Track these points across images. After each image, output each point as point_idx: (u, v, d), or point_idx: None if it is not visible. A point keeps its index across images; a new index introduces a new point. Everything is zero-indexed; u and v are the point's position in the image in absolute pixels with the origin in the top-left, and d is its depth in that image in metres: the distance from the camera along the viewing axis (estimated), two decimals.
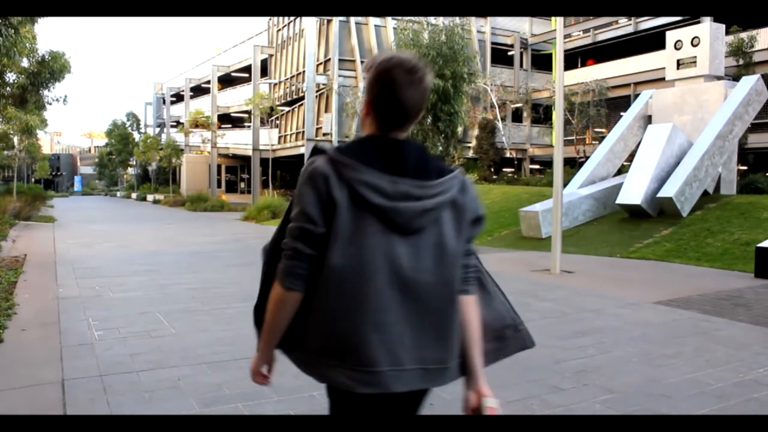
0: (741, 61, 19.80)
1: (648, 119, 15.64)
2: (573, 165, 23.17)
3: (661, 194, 12.51)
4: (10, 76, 13.09)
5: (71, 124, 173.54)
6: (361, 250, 1.49)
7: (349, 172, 1.50)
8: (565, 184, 11.96)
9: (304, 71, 28.02)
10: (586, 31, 29.98)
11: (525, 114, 31.29)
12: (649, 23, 26.82)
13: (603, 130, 24.24)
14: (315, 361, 1.60)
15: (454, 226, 1.61)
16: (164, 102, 49.78)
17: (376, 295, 1.50)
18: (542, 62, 32.60)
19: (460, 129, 14.21)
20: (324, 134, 27.34)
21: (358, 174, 1.50)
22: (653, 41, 24.62)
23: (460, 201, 1.64)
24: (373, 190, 1.50)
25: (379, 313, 1.50)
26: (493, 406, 1.68)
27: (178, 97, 47.57)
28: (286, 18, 30.37)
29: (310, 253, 1.52)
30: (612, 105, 24.84)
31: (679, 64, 15.18)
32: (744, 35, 19.95)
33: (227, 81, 39.76)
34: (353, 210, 1.50)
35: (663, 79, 16.81)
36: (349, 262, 1.49)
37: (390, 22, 27.31)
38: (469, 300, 1.67)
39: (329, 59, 27.26)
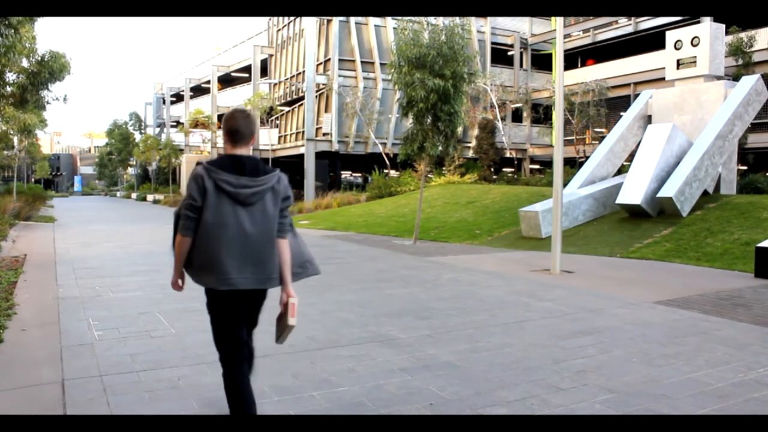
0: (740, 61, 19.81)
1: (648, 119, 15.64)
2: (573, 165, 23.17)
3: (661, 194, 12.51)
4: (10, 76, 13.08)
5: (71, 124, 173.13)
6: (221, 213, 2.79)
7: (214, 174, 2.79)
8: (565, 184, 11.96)
9: (304, 71, 28.01)
10: (586, 31, 29.98)
11: (525, 114, 31.29)
12: (649, 23, 26.82)
13: (603, 130, 24.24)
14: (198, 273, 2.87)
15: (272, 201, 2.88)
16: (164, 102, 49.76)
17: (229, 238, 2.79)
18: (542, 62, 32.60)
19: (459, 129, 14.20)
20: (324, 134, 27.34)
21: (218, 175, 2.79)
22: (653, 41, 24.62)
23: (277, 188, 2.91)
24: (226, 183, 2.79)
25: (231, 247, 2.79)
26: (293, 302, 2.96)
27: (178, 97, 47.54)
28: (286, 18, 30.36)
29: (194, 217, 2.81)
30: (612, 105, 24.84)
31: (679, 64, 15.18)
32: (743, 35, 19.96)
33: (227, 81, 39.75)
34: (216, 193, 2.78)
35: (663, 79, 16.81)
36: (215, 220, 2.78)
37: (390, 22, 27.30)
38: (283, 241, 2.98)
39: (329, 59, 27.25)
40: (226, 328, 2.95)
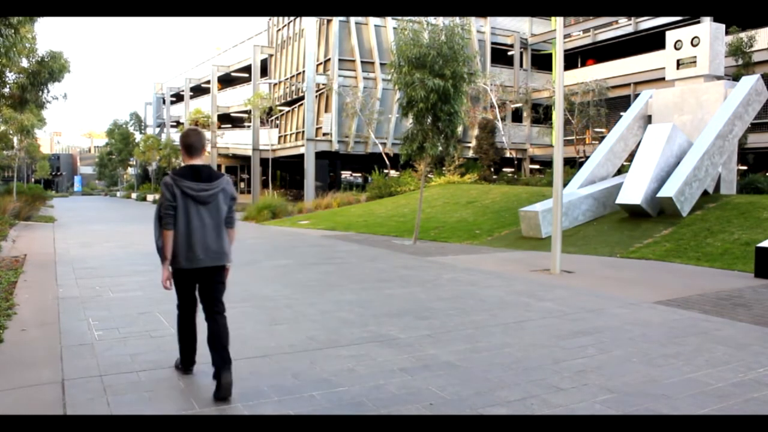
0: (740, 61, 19.81)
1: (648, 119, 15.64)
2: (573, 165, 23.17)
3: (661, 194, 12.51)
4: (10, 76, 13.08)
5: (71, 124, 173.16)
6: (187, 212, 3.72)
7: (179, 182, 3.70)
8: (565, 184, 11.95)
9: (303, 71, 28.00)
10: (586, 31, 29.97)
11: (525, 114, 31.29)
12: (649, 23, 26.82)
13: (603, 130, 24.24)
14: (176, 260, 3.75)
15: (223, 200, 3.82)
16: (164, 102, 49.76)
17: (194, 229, 3.72)
18: (542, 62, 32.60)
19: (459, 129, 14.18)
20: (324, 134, 27.33)
21: (182, 183, 3.70)
22: (653, 41, 24.62)
23: (226, 189, 3.84)
24: (189, 189, 3.71)
25: (196, 236, 3.72)
26: (228, 267, 3.94)
27: (178, 97, 47.55)
28: (286, 18, 30.36)
29: (173, 213, 3.71)
30: (612, 105, 24.83)
31: (679, 64, 15.18)
32: (743, 35, 19.95)
33: (227, 81, 39.75)
34: (183, 197, 3.70)
35: (663, 79, 16.81)
36: (184, 218, 3.71)
37: (390, 22, 27.29)
38: (230, 230, 3.94)
39: (329, 59, 27.25)
40: (187, 295, 4.02)
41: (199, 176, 3.75)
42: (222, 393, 3.62)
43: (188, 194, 3.71)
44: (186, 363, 4.10)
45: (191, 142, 3.85)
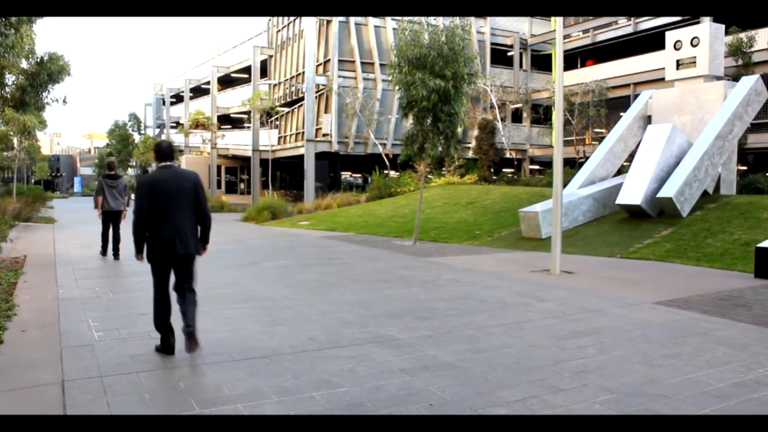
0: (740, 61, 19.81)
1: (648, 119, 15.64)
2: (573, 165, 23.17)
3: (660, 194, 12.51)
4: (10, 78, 13.08)
5: (71, 125, 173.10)
6: (108, 191, 10.28)
7: (104, 180, 10.37)
8: (564, 185, 11.95)
9: (303, 72, 28.00)
10: (585, 31, 29.98)
11: (525, 114, 31.28)
12: (648, 23, 26.83)
13: (603, 130, 24.24)
14: (103, 207, 10.37)
15: (122, 187, 10.45)
16: (164, 103, 49.74)
17: (109, 197, 10.28)
18: (542, 62, 32.61)
19: (459, 129, 14.17)
20: (323, 135, 27.33)
21: (106, 180, 10.35)
22: (653, 41, 24.63)
23: (123, 182, 10.50)
24: (108, 182, 10.33)
25: (109, 199, 10.26)
26: (126, 213, 9.99)
27: (178, 98, 47.53)
28: (286, 18, 30.36)
29: (102, 191, 10.33)
30: (612, 105, 24.83)
31: (679, 64, 15.18)
32: (743, 35, 19.96)
33: (227, 82, 39.74)
34: (105, 185, 10.28)
35: (663, 79, 16.81)
36: (106, 192, 10.28)
37: (390, 22, 27.30)
38: (125, 197, 10.64)
39: (329, 60, 27.25)
40: (106, 224, 10.27)
41: (112, 178, 10.04)
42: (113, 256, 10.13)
43: (108, 185, 9.98)
44: (103, 250, 10.22)
45: (110, 164, 10.36)
